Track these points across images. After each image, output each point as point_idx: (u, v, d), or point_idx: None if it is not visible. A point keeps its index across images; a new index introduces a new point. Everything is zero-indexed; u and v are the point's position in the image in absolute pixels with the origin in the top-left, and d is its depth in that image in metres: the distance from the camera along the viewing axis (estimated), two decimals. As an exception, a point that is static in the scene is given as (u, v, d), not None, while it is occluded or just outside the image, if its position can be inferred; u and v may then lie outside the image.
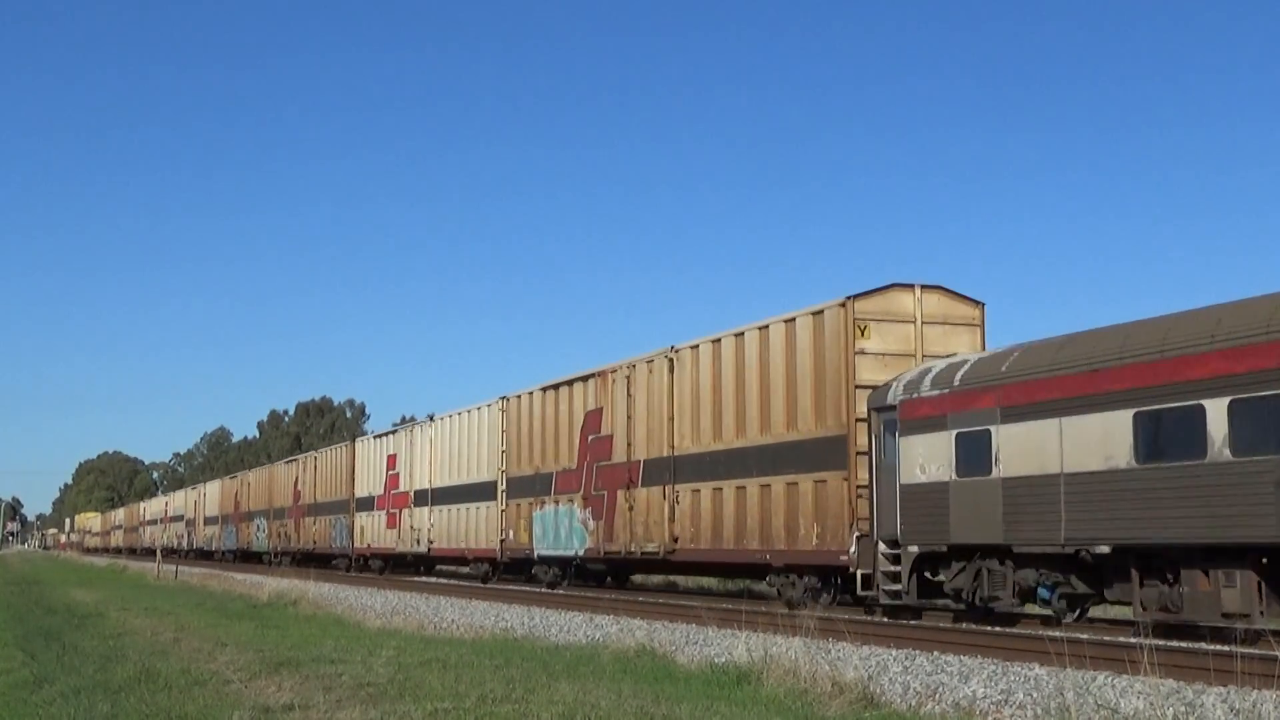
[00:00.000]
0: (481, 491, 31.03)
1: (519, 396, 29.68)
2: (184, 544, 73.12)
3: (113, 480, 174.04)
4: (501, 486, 30.00)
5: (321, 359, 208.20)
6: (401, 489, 36.89)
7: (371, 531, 39.44)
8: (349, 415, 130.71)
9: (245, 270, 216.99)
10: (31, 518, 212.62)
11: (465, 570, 34.49)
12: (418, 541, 35.15)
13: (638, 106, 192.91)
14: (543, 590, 27.32)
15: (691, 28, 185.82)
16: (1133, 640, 11.66)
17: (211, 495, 67.86)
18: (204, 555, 66.60)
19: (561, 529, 26.93)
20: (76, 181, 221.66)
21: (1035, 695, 9.93)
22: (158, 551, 54.56)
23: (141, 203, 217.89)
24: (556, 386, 27.78)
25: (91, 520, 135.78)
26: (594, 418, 25.87)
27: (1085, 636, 13.18)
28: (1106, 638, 13.29)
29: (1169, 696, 9.35)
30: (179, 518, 77.01)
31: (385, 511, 38.12)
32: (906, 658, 12.58)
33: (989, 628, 15.64)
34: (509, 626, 17.96)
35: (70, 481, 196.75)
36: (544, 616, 19.53)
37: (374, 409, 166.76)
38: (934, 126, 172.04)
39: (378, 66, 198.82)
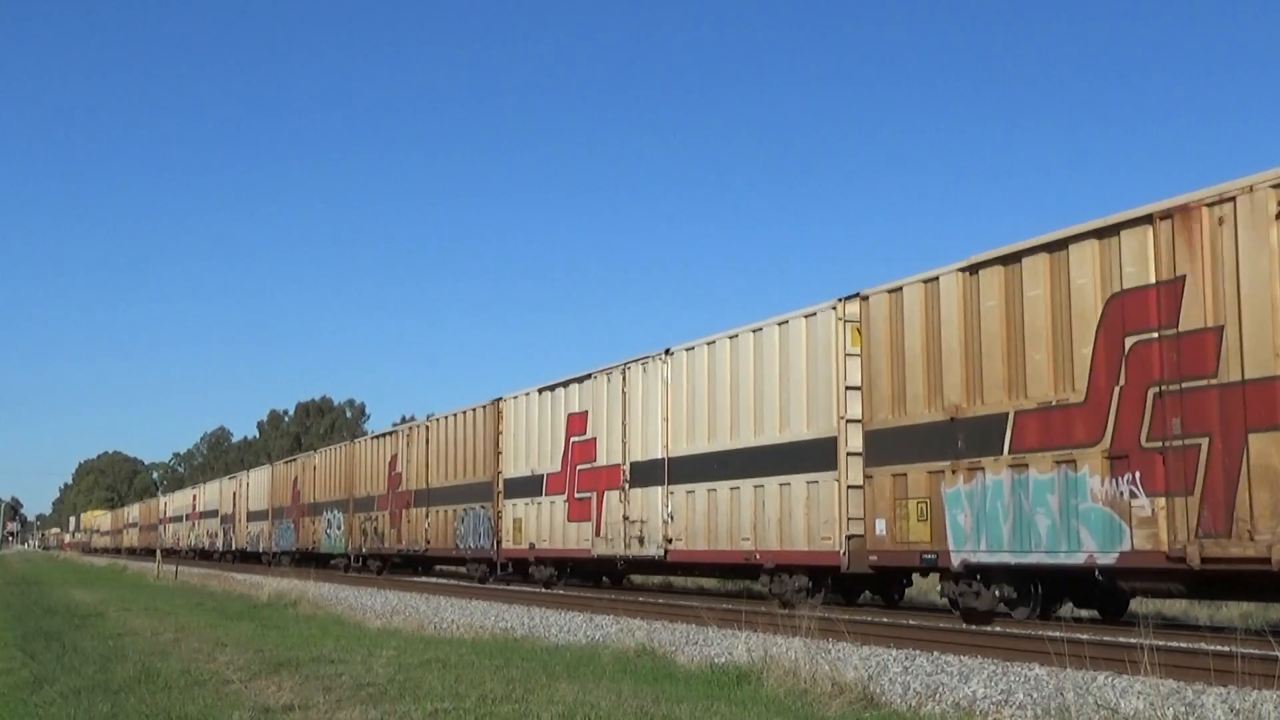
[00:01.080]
0: (795, 456, 19.32)
1: (891, 292, 17.54)
2: (219, 544, 62.56)
3: (113, 480, 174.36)
4: (847, 447, 18.36)
5: (321, 359, 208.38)
6: (599, 462, 25.70)
7: (535, 526, 28.58)
8: (349, 415, 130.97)
9: (245, 270, 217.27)
10: (31, 518, 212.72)
11: (734, 587, 23.73)
12: (640, 540, 23.61)
13: (638, 106, 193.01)
14: (540, 590, 27.09)
15: (690, 27, 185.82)
16: (1133, 640, 11.66)
17: (258, 485, 55.94)
18: (248, 558, 55.41)
19: (1035, 517, 14.96)
20: (76, 181, 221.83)
21: (1035, 695, 9.93)
22: (157, 552, 54.21)
23: (141, 203, 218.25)
24: (1007, 259, 15.56)
25: (100, 519, 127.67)
26: (1141, 301, 13.65)
27: (1085, 637, 13.17)
28: (1106, 638, 13.29)
29: (1169, 696, 9.35)
30: (212, 513, 65.80)
31: (564, 497, 27.23)
32: (906, 658, 12.59)
33: (989, 628, 15.64)
34: (509, 626, 17.97)
35: (70, 481, 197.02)
36: (544, 616, 19.54)
37: (374, 409, 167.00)
38: (939, 123, 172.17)
39: (378, 66, 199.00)
